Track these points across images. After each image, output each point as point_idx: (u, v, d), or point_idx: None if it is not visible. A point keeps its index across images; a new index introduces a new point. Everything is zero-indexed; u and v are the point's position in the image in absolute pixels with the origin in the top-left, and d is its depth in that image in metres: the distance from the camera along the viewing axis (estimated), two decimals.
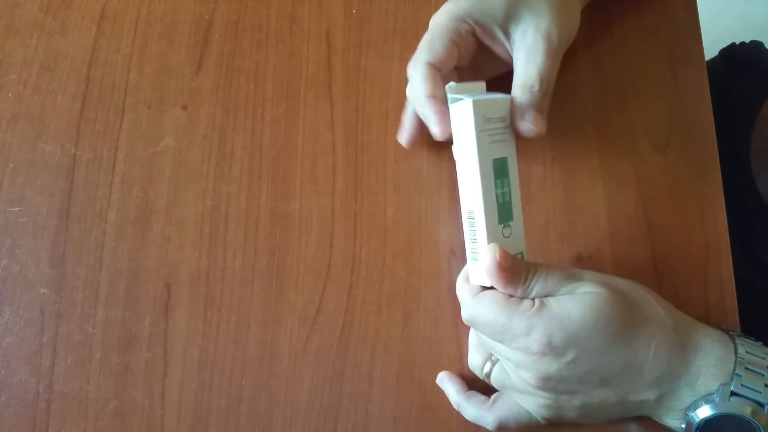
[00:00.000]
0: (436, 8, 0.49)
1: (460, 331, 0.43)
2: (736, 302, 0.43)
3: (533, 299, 0.36)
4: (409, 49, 0.48)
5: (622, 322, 0.35)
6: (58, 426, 0.41)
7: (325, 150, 0.46)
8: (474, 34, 0.41)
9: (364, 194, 0.45)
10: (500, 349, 0.37)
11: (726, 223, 0.44)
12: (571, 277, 0.37)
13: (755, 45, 0.65)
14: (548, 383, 0.36)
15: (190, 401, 0.41)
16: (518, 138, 0.39)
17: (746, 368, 0.35)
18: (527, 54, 0.40)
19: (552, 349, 0.34)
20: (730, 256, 0.44)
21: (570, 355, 0.35)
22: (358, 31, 0.49)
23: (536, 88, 0.39)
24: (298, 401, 0.41)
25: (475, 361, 0.40)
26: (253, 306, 0.43)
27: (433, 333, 0.42)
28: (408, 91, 0.42)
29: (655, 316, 0.36)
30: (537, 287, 0.36)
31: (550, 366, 0.35)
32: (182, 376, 0.42)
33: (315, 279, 0.43)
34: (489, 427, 0.39)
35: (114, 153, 0.46)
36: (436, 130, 0.39)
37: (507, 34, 0.41)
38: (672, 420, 0.37)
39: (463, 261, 0.44)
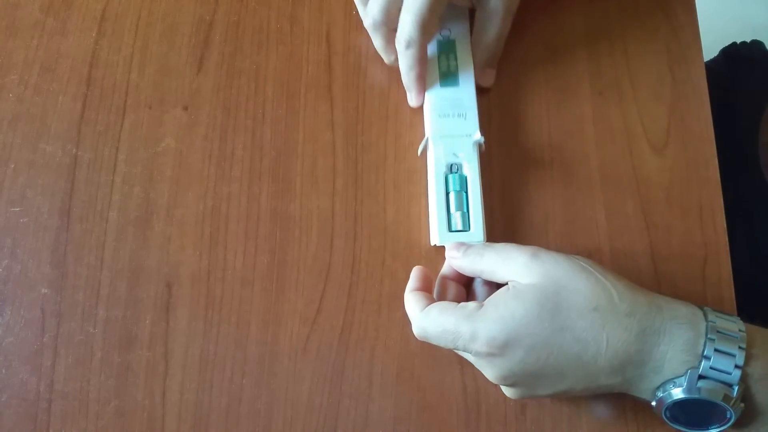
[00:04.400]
0: None
1: None
2: (734, 302, 0.43)
3: (478, 303, 0.37)
4: None
5: (568, 315, 0.35)
6: (59, 425, 0.41)
7: (326, 150, 0.46)
8: None
9: (364, 194, 0.45)
10: (465, 336, 0.36)
11: (725, 223, 0.44)
12: (524, 262, 0.37)
13: (756, 44, 0.65)
14: (508, 380, 0.36)
15: (190, 401, 0.41)
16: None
17: (716, 350, 0.34)
18: (489, 16, 0.45)
19: (498, 349, 0.35)
20: (729, 256, 0.44)
21: (518, 354, 0.35)
22: (359, 32, 0.49)
23: (493, 47, 0.46)
24: (299, 400, 0.42)
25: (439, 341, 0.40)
26: (254, 306, 0.43)
27: None
28: (402, 65, 0.45)
29: (607, 304, 0.35)
30: (487, 257, 0.38)
31: (503, 365, 0.36)
32: (183, 375, 0.42)
33: (315, 279, 0.44)
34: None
35: (115, 153, 0.46)
36: (414, 102, 0.46)
37: None
38: (643, 395, 0.37)
39: None
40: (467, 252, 0.39)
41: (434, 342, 0.38)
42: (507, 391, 0.39)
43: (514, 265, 0.37)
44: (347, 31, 0.49)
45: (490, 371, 0.37)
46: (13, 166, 0.46)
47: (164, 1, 0.50)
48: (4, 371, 0.42)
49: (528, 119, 0.47)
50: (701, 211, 0.45)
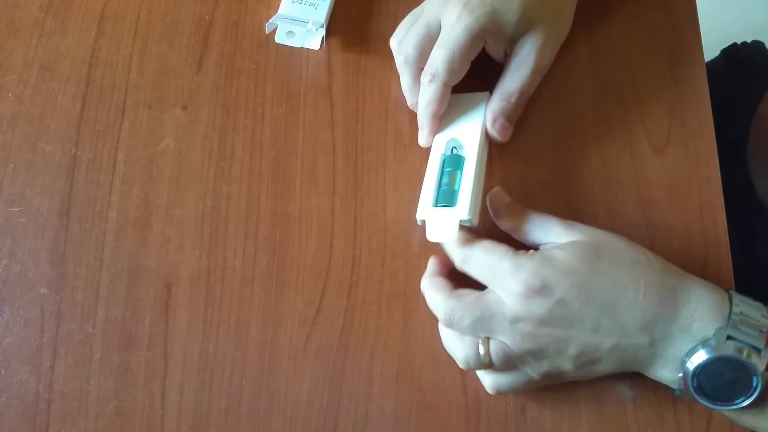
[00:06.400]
0: None
1: None
2: None
3: (527, 250, 0.38)
4: None
5: (609, 261, 0.37)
6: (58, 426, 0.41)
7: (325, 150, 0.46)
8: (483, 47, 0.43)
9: (364, 194, 0.45)
10: (492, 300, 0.37)
11: (725, 223, 0.44)
12: (562, 231, 0.39)
13: (757, 45, 0.65)
14: (543, 328, 0.36)
15: (190, 401, 0.41)
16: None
17: (741, 314, 0.36)
18: (517, 64, 0.43)
19: (539, 288, 0.36)
20: (730, 256, 0.44)
21: (558, 293, 0.36)
22: (359, 31, 0.49)
23: (513, 98, 0.44)
24: (298, 401, 0.41)
25: (467, 352, 0.38)
26: (253, 306, 0.43)
27: (433, 333, 0.42)
28: (421, 98, 0.43)
29: (643, 259, 0.37)
30: (533, 229, 0.40)
31: (541, 307, 0.36)
32: (182, 375, 0.42)
33: (315, 279, 0.43)
34: (487, 389, 0.40)
35: (114, 153, 0.46)
36: (424, 142, 0.45)
37: (510, 46, 0.44)
38: (668, 371, 0.37)
39: None
40: (511, 206, 0.41)
41: (473, 267, 0.39)
42: (536, 365, 0.38)
43: (552, 232, 0.39)
44: (347, 31, 0.49)
45: (526, 317, 0.36)
46: (12, 165, 0.46)
47: (164, 0, 0.50)
48: (3, 371, 0.42)
49: (528, 119, 0.46)
50: (702, 211, 0.45)
